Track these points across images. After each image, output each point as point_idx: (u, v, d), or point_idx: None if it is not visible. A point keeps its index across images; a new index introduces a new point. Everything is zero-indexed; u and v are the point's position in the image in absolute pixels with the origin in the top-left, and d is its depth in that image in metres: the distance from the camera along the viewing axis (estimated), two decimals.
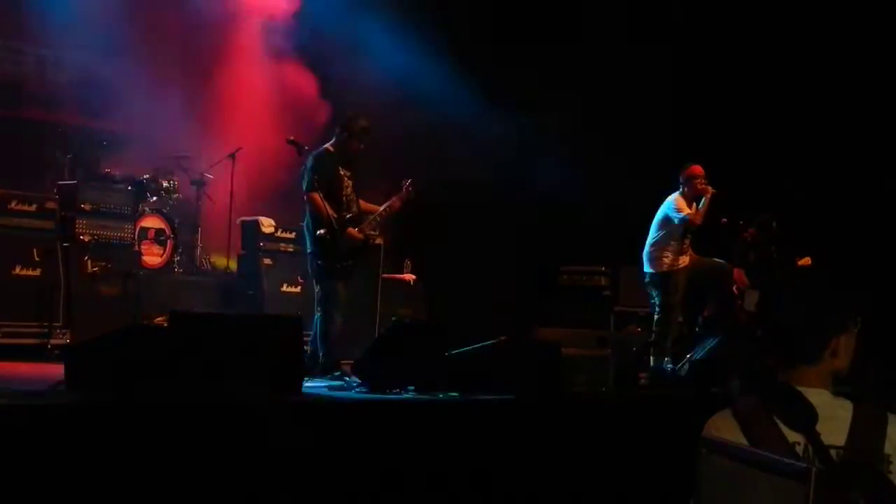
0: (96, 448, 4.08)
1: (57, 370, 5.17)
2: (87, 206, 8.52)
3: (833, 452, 2.28)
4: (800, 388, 2.41)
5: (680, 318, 8.94)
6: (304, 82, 11.25)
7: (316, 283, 7.35)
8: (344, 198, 7.34)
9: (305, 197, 7.29)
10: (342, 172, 7.36)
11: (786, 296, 2.52)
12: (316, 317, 7.31)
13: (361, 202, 7.50)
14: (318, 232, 7.17)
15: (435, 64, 10.79)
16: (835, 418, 2.36)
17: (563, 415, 6.03)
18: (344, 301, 7.29)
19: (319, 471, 4.74)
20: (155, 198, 9.62)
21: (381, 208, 7.50)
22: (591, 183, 11.17)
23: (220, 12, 10.90)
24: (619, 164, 10.96)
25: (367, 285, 8.72)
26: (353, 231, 7.28)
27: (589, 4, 11.65)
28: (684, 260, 8.70)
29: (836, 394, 2.45)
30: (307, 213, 7.35)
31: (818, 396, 2.40)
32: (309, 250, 7.35)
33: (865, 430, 2.34)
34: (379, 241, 8.06)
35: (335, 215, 7.18)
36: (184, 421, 4.43)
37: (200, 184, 10.24)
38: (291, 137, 8.00)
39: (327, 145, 7.47)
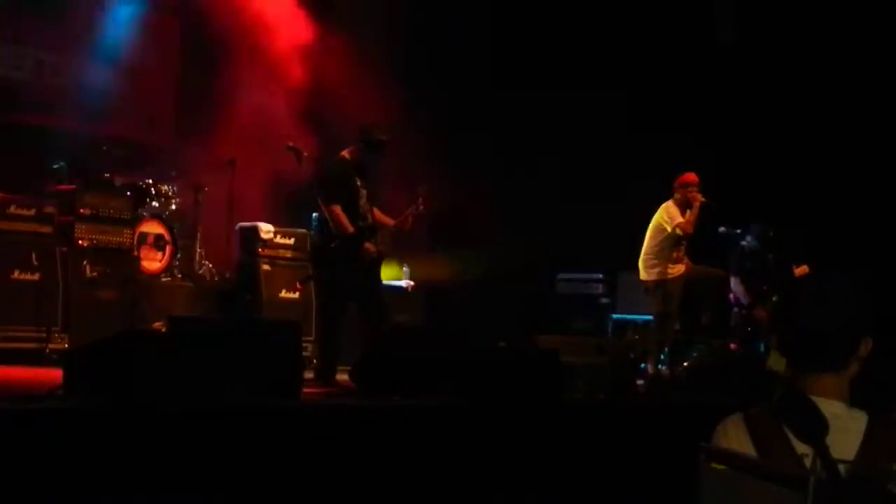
0: (94, 453, 4.08)
1: (55, 375, 5.17)
2: (85, 211, 8.52)
3: (842, 467, 2.20)
4: (814, 398, 2.33)
5: (676, 326, 8.97)
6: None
7: (322, 293, 7.32)
8: (360, 208, 7.31)
9: (324, 208, 7.25)
10: (358, 183, 7.34)
11: (812, 300, 2.41)
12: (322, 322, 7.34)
13: (375, 211, 7.48)
14: (331, 245, 7.15)
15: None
16: (847, 431, 2.30)
17: (561, 422, 6.04)
18: (347, 313, 7.30)
19: (318, 476, 4.74)
20: (154, 203, 9.61)
21: (395, 222, 7.44)
22: (590, 189, 11.20)
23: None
24: (618, 171, 10.98)
25: None
26: (370, 246, 7.24)
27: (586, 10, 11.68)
28: (679, 268, 8.72)
29: (852, 405, 2.39)
30: (318, 222, 7.29)
31: (831, 407, 2.33)
32: (318, 260, 7.29)
33: (877, 445, 2.28)
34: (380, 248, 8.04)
35: (351, 229, 7.15)
36: (182, 427, 4.43)
37: (199, 189, 10.24)
38: (290, 143, 8.02)
39: (343, 153, 7.42)
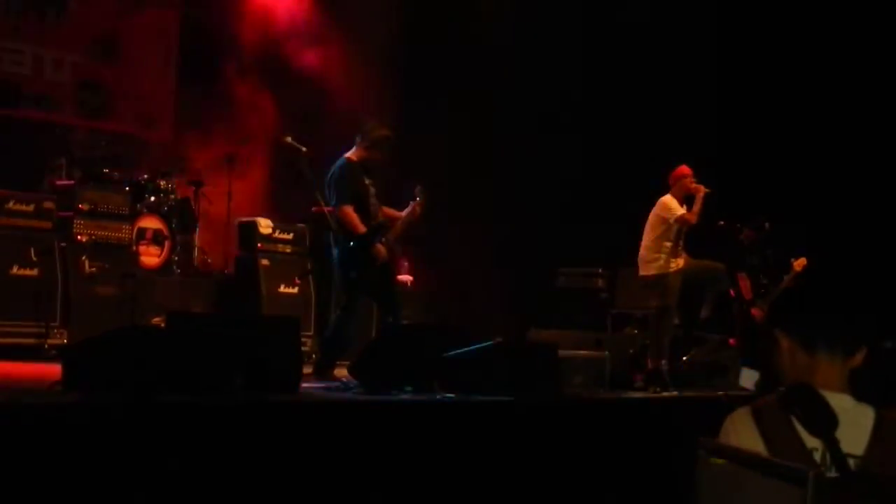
0: (93, 448, 4.08)
1: (54, 370, 5.17)
2: (84, 207, 8.51)
3: (851, 462, 2.17)
4: (822, 392, 2.29)
5: (676, 321, 8.95)
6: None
7: (343, 292, 7.34)
8: (371, 207, 7.31)
9: (336, 209, 7.24)
10: (366, 182, 7.32)
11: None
12: (333, 317, 7.39)
13: (383, 209, 7.47)
14: (350, 244, 7.15)
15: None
16: (856, 425, 2.27)
17: (560, 417, 6.04)
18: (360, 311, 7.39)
19: (317, 471, 4.74)
20: (153, 198, 9.60)
21: (403, 218, 7.41)
22: (589, 184, 11.20)
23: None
24: (618, 166, 10.98)
25: None
26: (381, 248, 7.22)
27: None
28: (679, 262, 8.69)
29: (859, 399, 2.35)
30: (335, 223, 7.27)
31: (840, 401, 2.30)
32: (337, 260, 7.29)
33: (886, 440, 2.26)
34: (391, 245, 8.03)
35: (363, 229, 7.14)
36: (181, 422, 4.44)
37: (198, 184, 10.24)
38: (288, 138, 8.00)
39: (349, 154, 7.37)
